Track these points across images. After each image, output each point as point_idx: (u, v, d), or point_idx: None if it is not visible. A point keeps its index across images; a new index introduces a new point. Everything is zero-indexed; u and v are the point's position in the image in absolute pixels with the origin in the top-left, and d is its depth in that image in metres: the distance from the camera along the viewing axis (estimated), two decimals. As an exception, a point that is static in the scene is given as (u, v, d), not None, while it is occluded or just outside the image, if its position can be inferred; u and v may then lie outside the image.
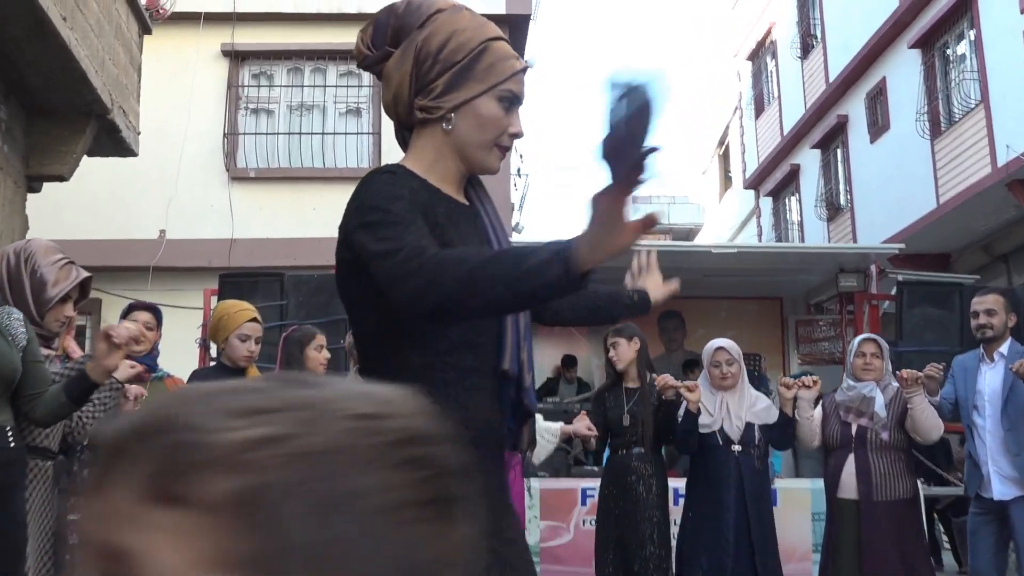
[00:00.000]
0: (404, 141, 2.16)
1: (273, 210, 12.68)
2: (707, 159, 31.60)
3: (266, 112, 13.29)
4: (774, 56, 22.81)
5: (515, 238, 14.57)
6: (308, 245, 12.27)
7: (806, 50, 20.50)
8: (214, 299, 8.65)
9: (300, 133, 13.11)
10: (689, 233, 31.20)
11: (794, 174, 21.47)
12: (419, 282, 1.73)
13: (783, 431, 5.49)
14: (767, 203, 23.51)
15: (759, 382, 8.19)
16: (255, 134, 13.06)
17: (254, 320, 4.92)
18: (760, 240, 23.32)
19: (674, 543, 5.55)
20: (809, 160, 20.45)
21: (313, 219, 12.61)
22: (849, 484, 5.36)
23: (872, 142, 17.45)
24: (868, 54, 17.14)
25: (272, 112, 13.28)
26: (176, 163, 12.28)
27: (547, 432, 5.32)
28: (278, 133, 13.09)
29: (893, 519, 5.27)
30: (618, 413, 5.57)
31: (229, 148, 12.87)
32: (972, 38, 14.32)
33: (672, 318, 11.47)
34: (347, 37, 13.09)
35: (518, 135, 2.07)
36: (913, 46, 15.64)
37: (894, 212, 15.81)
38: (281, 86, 13.34)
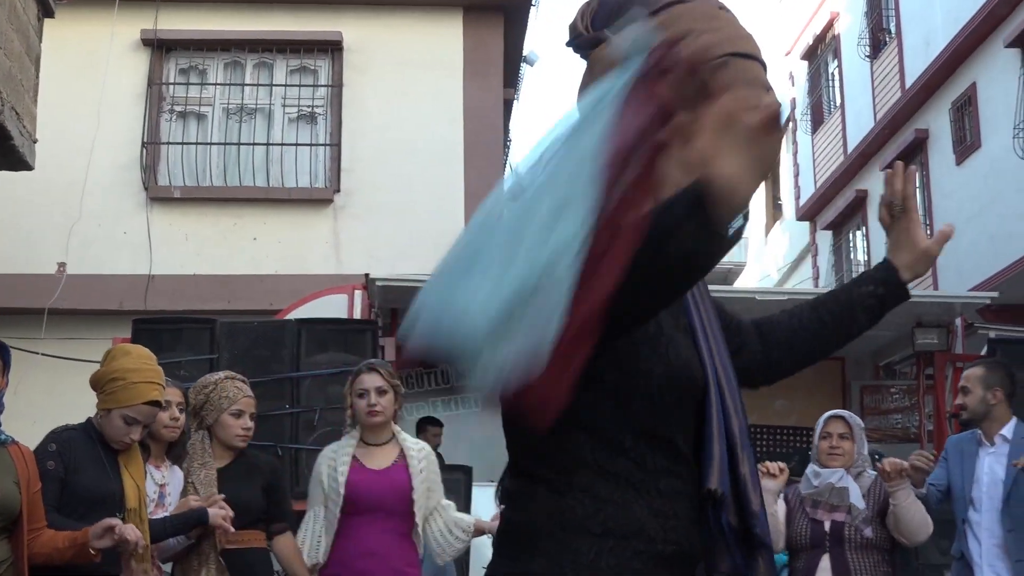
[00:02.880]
0: None
1: (203, 239, 12.69)
2: (751, 182, 31.73)
3: (196, 116, 13.33)
4: (836, 55, 22.96)
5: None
6: (247, 284, 12.24)
7: (877, 48, 20.63)
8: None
9: (239, 143, 13.11)
10: (728, 275, 31.20)
11: (860, 202, 21.54)
12: None
13: None
14: (826, 238, 23.56)
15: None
16: (182, 144, 13.09)
17: (155, 405, 4.64)
18: (817, 284, 23.35)
19: None
20: (879, 185, 20.49)
21: (254, 252, 12.59)
22: None
23: (959, 163, 17.53)
24: (954, 54, 17.26)
25: (204, 117, 13.33)
26: (82, 179, 12.28)
27: (455, 526, 5.39)
28: (211, 143, 13.11)
29: None
30: None
31: (148, 161, 12.86)
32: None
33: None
34: (299, 24, 13.22)
35: None
36: (1011, 45, 15.76)
37: (986, 252, 15.85)
38: (216, 84, 13.40)
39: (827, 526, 5.49)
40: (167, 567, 5.02)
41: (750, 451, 1.96)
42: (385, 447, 5.30)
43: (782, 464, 5.69)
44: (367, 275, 9.58)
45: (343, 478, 5.12)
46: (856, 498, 5.50)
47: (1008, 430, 5.88)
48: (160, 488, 4.87)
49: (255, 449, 5.63)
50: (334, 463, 5.21)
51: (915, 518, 5.42)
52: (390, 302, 9.68)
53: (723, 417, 1.93)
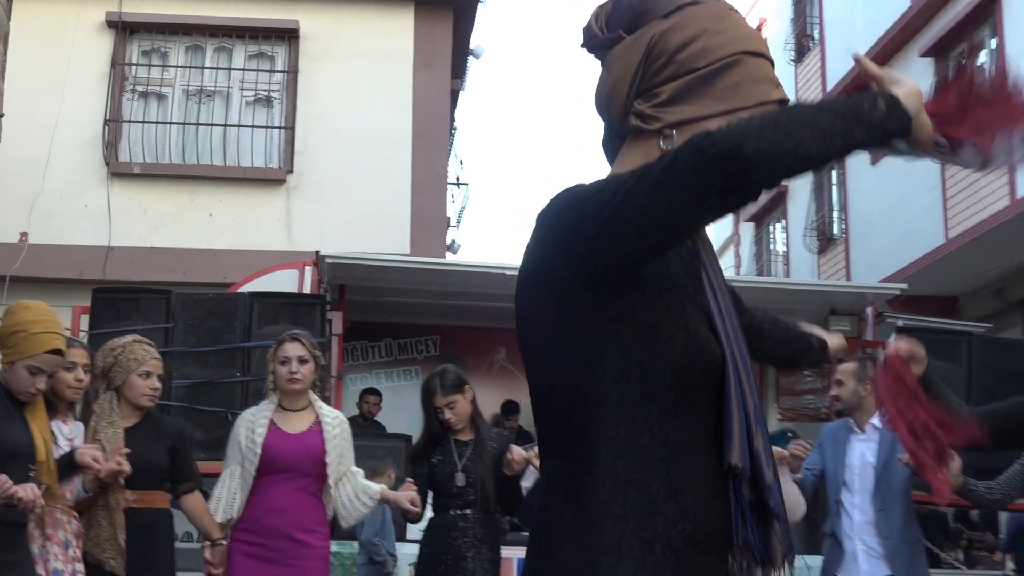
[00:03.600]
0: (611, 150, 2.06)
1: (161, 214, 12.57)
2: (680, 175, 31.94)
3: (157, 97, 13.19)
4: (763, 58, 23.12)
5: (450, 258, 14.54)
6: (202, 258, 12.17)
7: (801, 53, 20.78)
8: (85, 318, 8.51)
9: (198, 124, 13.01)
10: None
11: (781, 197, 21.70)
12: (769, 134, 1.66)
13: None
14: (748, 229, 23.73)
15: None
16: (143, 122, 12.94)
17: (57, 354, 4.55)
18: (738, 273, 23.52)
19: None
20: (799, 182, 20.69)
21: (209, 227, 12.51)
22: None
23: (873, 163, 17.68)
24: (874, 61, 17.37)
25: (164, 97, 13.19)
26: (45, 154, 12.15)
27: (363, 493, 5.40)
28: (171, 122, 12.99)
29: None
30: (448, 471, 5.57)
31: (110, 138, 12.73)
32: (994, 47, 14.60)
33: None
34: (258, 12, 13.07)
35: None
36: (925, 54, 15.91)
37: (896, 247, 16.01)
38: (177, 66, 13.24)
39: None
40: None
41: (764, 427, 1.92)
42: (302, 413, 5.28)
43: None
44: (318, 252, 9.50)
45: (260, 440, 5.11)
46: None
47: (877, 419, 6.01)
48: (69, 442, 4.78)
49: (182, 415, 5.60)
50: (252, 425, 5.19)
51: (791, 500, 5.54)
52: (338, 278, 9.61)
53: (740, 393, 1.88)
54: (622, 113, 1.96)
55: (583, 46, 2.04)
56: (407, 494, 5.39)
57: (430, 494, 5.69)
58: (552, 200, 1.88)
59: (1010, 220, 13.01)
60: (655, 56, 1.92)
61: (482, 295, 10.51)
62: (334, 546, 9.00)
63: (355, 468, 5.44)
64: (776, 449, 5.67)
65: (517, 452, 5.47)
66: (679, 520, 1.75)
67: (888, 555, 5.87)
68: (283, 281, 9.70)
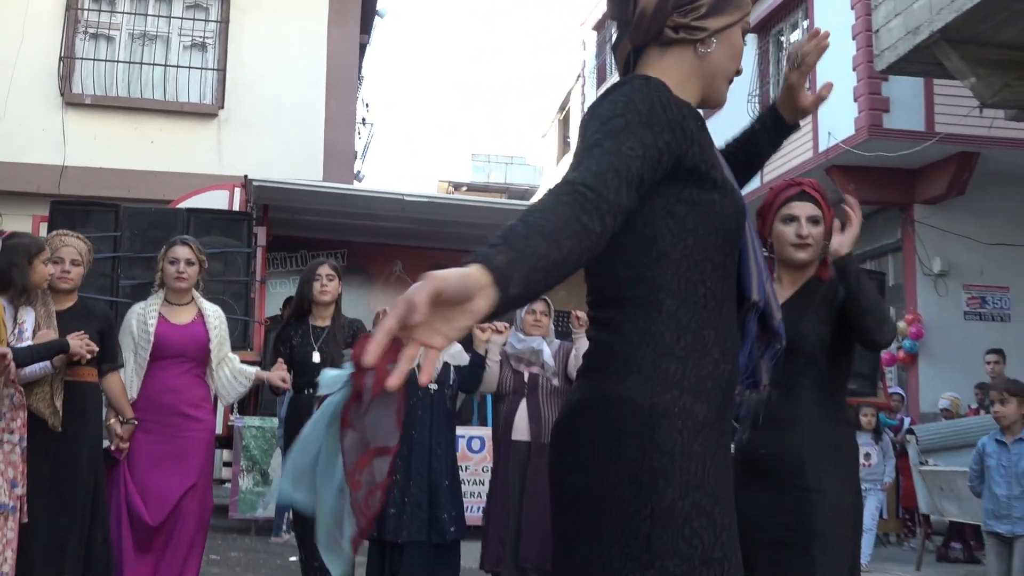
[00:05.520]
0: (626, 61, 1.96)
1: (109, 140, 12.29)
2: (547, 123, 31.93)
3: (106, 39, 12.83)
4: (619, 28, 23.13)
5: (356, 185, 14.45)
6: (145, 178, 11.97)
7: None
8: (44, 226, 8.34)
9: (142, 63, 12.72)
10: (525, 193, 31.49)
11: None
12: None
13: (474, 373, 5.63)
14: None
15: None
16: (93, 60, 12.59)
17: None
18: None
19: None
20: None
21: (151, 152, 12.30)
22: (522, 427, 5.67)
23: (707, 118, 17.97)
24: (708, 34, 17.60)
25: (112, 39, 12.84)
26: (7, 85, 11.83)
27: (240, 375, 5.29)
28: (118, 61, 12.66)
29: None
30: (307, 351, 5.54)
31: (65, 72, 12.39)
32: (805, 28, 14.90)
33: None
34: (198, -32, 12.71)
35: (740, 73, 1.98)
36: (751, 31, 16.14)
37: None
38: (124, 13, 12.87)
39: (526, 377, 5.72)
40: None
41: (768, 273, 1.94)
42: (186, 307, 5.12)
43: (506, 324, 5.76)
44: (246, 176, 9.42)
45: (153, 329, 4.96)
46: (548, 357, 5.73)
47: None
48: (19, 325, 4.64)
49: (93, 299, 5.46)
50: (144, 317, 5.02)
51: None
52: (263, 199, 9.55)
53: (752, 240, 1.90)
54: (657, 25, 1.87)
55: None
56: (278, 373, 5.32)
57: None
58: (630, 79, 1.82)
59: (813, 169, 13.37)
60: None
61: (382, 217, 10.54)
62: (257, 421, 9.09)
63: (232, 354, 5.31)
64: (581, 313, 5.62)
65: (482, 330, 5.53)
66: (722, 361, 1.77)
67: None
68: (216, 200, 9.59)
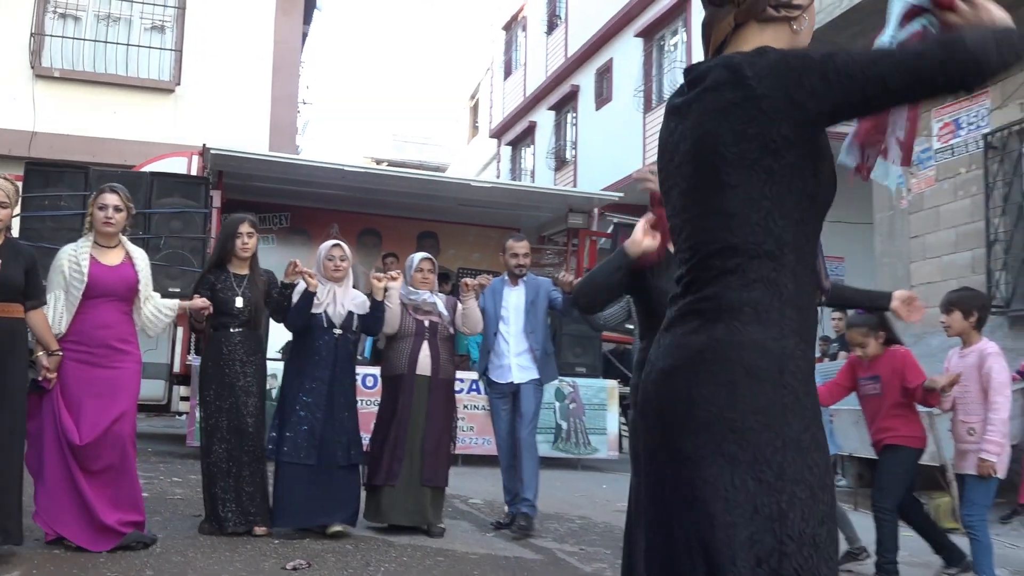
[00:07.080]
0: (710, 39, 1.86)
1: (76, 109, 11.92)
2: (459, 109, 31.81)
3: (74, 19, 12.39)
4: (524, 29, 23.16)
5: (299, 156, 14.23)
6: (109, 145, 11.68)
7: (552, 27, 20.94)
8: (20, 185, 8.05)
9: (106, 42, 12.36)
10: (438, 168, 31.32)
11: (531, 129, 22.02)
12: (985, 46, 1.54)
13: (375, 318, 5.76)
14: (507, 151, 24.00)
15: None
16: (62, 37, 12.17)
17: None
18: (498, 177, 23.75)
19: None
20: (545, 119, 21.02)
21: (113, 122, 11.96)
22: (425, 364, 5.85)
23: (597, 110, 18.16)
24: (601, 37, 17.74)
25: (80, 19, 12.41)
26: (-19, 56, 11.35)
27: (164, 307, 5.16)
28: (84, 39, 12.25)
29: (448, 393, 5.96)
30: (229, 296, 5.40)
31: (35, 47, 11.95)
32: (684, 37, 15.12)
33: (429, 238, 11.71)
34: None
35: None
36: (638, 35, 16.34)
37: (609, 169, 16.57)
38: (90, -5, 12.44)
39: (427, 323, 5.90)
40: None
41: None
42: (115, 250, 4.93)
43: (397, 272, 5.99)
44: (204, 145, 9.23)
45: (86, 270, 4.76)
46: (443, 308, 5.94)
47: (529, 279, 6.21)
48: None
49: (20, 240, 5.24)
50: (75, 258, 4.80)
51: (473, 317, 6.00)
52: (218, 166, 9.41)
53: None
54: (763, 4, 1.80)
55: None
56: (199, 302, 5.23)
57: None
58: (748, 54, 1.71)
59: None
60: None
61: (323, 184, 10.49)
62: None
63: (154, 292, 5.13)
64: (473, 280, 6.08)
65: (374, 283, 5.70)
66: (813, 312, 1.76)
67: (533, 365, 6.08)
68: (175, 165, 9.42)
